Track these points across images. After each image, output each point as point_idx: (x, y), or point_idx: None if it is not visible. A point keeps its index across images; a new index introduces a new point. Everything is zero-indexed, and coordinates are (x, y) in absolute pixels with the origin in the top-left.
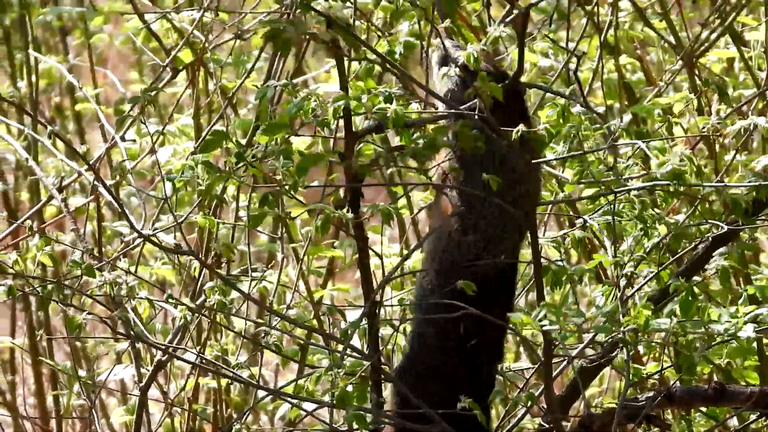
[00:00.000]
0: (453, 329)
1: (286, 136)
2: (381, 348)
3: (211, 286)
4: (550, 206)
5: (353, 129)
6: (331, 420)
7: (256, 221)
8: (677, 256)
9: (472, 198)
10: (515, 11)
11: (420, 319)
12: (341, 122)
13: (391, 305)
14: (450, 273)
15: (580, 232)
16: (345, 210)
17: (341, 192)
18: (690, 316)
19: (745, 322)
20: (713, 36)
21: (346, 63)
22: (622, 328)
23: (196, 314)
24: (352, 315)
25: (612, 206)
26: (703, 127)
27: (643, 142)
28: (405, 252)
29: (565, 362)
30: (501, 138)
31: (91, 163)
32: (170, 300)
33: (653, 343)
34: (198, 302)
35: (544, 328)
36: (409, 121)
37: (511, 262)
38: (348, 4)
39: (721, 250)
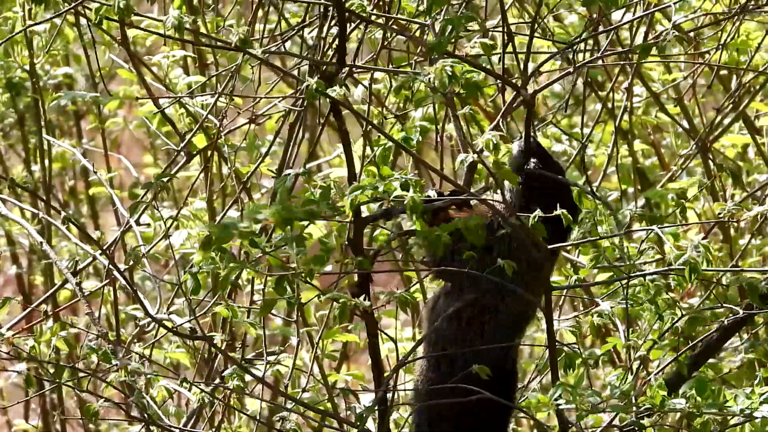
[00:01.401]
0: (455, 414)
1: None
2: (395, 431)
3: (230, 373)
4: (565, 290)
5: (361, 215)
6: None
7: (266, 308)
8: (694, 343)
9: (480, 282)
10: (522, 97)
11: (422, 406)
12: None
13: (404, 389)
14: (451, 359)
15: (598, 319)
16: (361, 298)
17: (354, 277)
18: (704, 398)
19: (761, 403)
20: (726, 121)
21: (360, 147)
22: (637, 408)
23: (212, 399)
24: (366, 398)
25: (625, 291)
26: (719, 213)
27: (658, 227)
28: (418, 336)
29: None
30: (520, 227)
31: (105, 247)
32: (184, 384)
33: (668, 426)
34: (212, 385)
35: (560, 407)
36: (425, 207)
37: (512, 345)
38: (360, 88)
39: (746, 344)
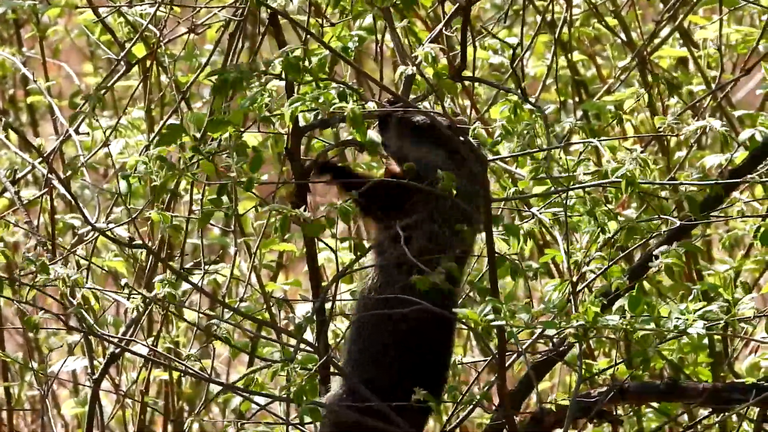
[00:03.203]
0: (400, 323)
1: (240, 131)
2: (333, 341)
3: (161, 279)
4: (503, 202)
5: (299, 125)
6: (288, 414)
7: (204, 220)
8: (627, 251)
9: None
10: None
11: (364, 315)
12: None
13: (341, 300)
14: (396, 268)
15: (529, 225)
16: (301, 208)
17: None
18: (639, 313)
19: (695, 319)
20: (664, 33)
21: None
22: (571, 324)
23: (149, 306)
24: (303, 308)
25: (564, 201)
26: (659, 126)
27: (596, 140)
28: (354, 246)
29: (514, 356)
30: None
31: (44, 155)
32: (124, 290)
33: (604, 339)
34: (151, 294)
35: (491, 324)
36: (363, 116)
37: (459, 256)
38: None
39: (663, 248)
